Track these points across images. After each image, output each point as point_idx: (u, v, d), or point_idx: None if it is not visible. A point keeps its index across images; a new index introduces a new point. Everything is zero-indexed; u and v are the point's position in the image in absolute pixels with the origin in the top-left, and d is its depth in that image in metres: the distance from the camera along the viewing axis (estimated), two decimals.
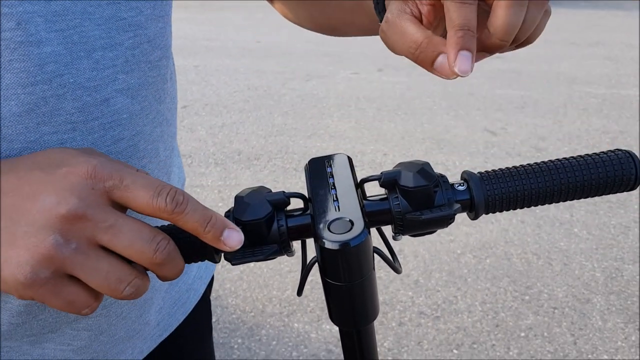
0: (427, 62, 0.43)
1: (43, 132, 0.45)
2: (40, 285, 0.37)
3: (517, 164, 0.48)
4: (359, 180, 0.48)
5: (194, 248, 0.44)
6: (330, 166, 0.49)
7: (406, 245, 2.60)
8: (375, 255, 0.46)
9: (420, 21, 0.45)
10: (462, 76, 0.41)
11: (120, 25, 0.48)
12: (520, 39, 0.45)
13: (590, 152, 0.49)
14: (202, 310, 0.75)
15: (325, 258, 0.42)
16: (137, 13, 0.49)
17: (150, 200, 0.38)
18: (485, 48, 0.44)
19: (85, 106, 0.47)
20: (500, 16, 0.42)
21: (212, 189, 3.17)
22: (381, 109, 4.34)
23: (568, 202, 3.27)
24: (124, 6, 0.48)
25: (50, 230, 0.37)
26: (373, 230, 0.46)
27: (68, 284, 0.38)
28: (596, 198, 2.99)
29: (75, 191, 0.37)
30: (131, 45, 0.49)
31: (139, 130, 0.51)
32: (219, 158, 3.56)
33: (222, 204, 3.00)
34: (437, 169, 3.28)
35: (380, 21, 0.51)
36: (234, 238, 0.40)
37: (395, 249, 2.59)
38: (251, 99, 4.67)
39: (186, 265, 0.43)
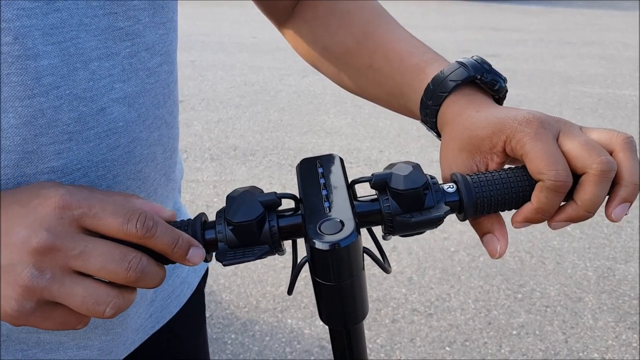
0: (478, 232, 0.50)
1: (40, 143, 0.46)
2: (28, 315, 0.40)
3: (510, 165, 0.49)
4: (350, 181, 0.48)
5: None
6: (322, 167, 0.49)
7: (400, 243, 2.61)
8: (365, 255, 0.47)
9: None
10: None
11: (117, 35, 0.48)
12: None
13: None
14: (196, 302, 0.76)
15: (316, 258, 0.43)
16: (134, 22, 0.49)
17: (121, 226, 0.41)
18: (570, 219, 0.47)
19: (82, 116, 0.47)
20: (588, 191, 0.44)
21: (208, 184, 3.17)
22: (377, 107, 4.31)
23: None
24: (121, 16, 0.48)
25: (25, 264, 0.39)
26: (362, 229, 0.46)
27: (54, 309, 0.41)
28: None
29: (45, 223, 0.40)
30: (128, 54, 0.49)
31: (135, 137, 0.51)
32: (214, 153, 3.56)
33: (217, 199, 3.00)
34: (432, 168, 3.29)
35: (437, 136, 0.56)
36: (197, 255, 0.44)
37: (389, 246, 2.60)
38: (247, 94, 4.66)
39: None
